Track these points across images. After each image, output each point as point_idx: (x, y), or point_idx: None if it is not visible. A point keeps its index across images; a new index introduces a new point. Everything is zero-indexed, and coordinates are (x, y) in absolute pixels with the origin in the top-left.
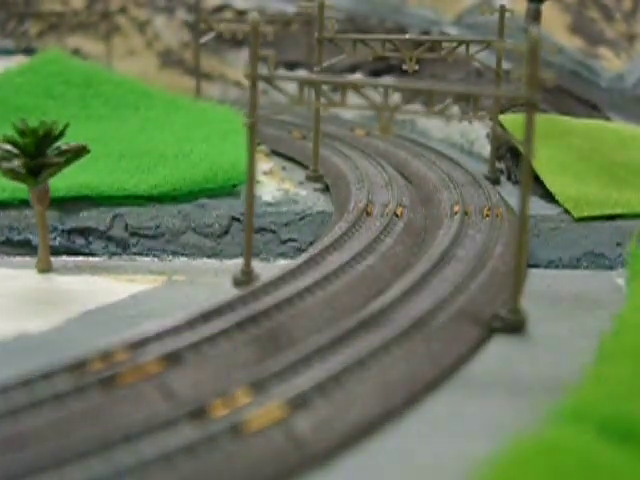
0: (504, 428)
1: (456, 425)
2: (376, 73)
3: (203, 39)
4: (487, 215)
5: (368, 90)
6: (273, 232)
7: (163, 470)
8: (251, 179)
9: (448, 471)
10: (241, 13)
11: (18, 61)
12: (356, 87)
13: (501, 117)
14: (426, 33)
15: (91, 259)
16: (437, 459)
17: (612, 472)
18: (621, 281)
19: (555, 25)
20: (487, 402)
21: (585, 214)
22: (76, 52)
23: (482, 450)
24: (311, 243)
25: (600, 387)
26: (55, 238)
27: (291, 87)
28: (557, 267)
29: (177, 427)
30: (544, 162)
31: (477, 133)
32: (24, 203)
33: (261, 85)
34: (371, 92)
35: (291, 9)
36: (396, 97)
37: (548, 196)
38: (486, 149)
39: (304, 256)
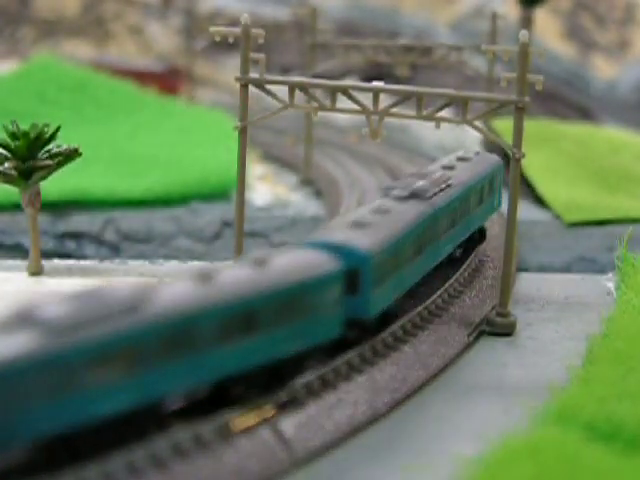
0: (492, 428)
1: (444, 425)
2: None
3: (197, 45)
4: None
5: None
6: (265, 236)
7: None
8: (241, 182)
9: (436, 471)
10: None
11: (12, 66)
12: (346, 91)
13: (494, 122)
14: (419, 39)
15: (82, 262)
16: (425, 459)
17: (597, 471)
18: (611, 285)
19: (549, 32)
20: (475, 403)
21: (576, 219)
22: (72, 57)
23: (470, 450)
24: None
25: (587, 388)
26: (47, 241)
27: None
28: (548, 271)
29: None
30: (536, 167)
31: (470, 138)
32: (16, 207)
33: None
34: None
35: (285, 15)
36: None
37: (539, 201)
38: None
39: None
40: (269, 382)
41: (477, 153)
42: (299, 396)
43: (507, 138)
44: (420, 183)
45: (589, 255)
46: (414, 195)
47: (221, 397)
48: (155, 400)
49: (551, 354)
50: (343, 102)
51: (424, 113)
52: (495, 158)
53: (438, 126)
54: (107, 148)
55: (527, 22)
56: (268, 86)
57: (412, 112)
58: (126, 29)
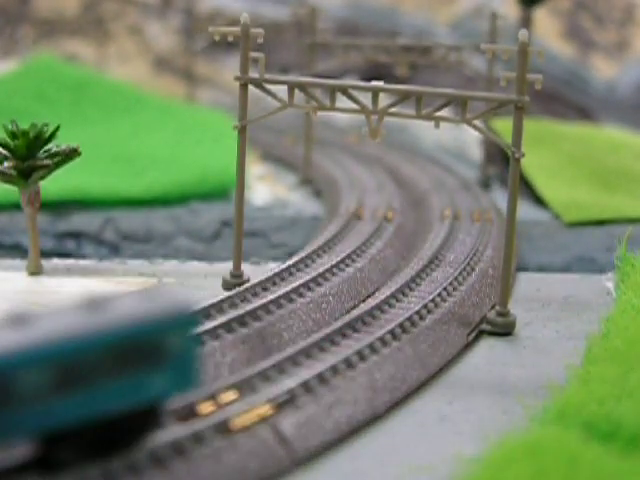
0: (491, 428)
1: (443, 425)
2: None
3: (198, 46)
4: (477, 219)
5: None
6: (264, 236)
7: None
8: (241, 181)
9: (435, 471)
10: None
11: (12, 66)
12: (345, 90)
13: (493, 122)
14: (418, 39)
15: (82, 262)
16: (424, 459)
17: (597, 471)
18: (610, 285)
19: (549, 32)
20: (475, 402)
21: (576, 218)
22: (71, 57)
23: (469, 449)
24: (302, 247)
25: (586, 388)
26: (46, 241)
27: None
28: (547, 271)
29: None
30: (536, 167)
31: (470, 138)
32: (15, 206)
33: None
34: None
35: (285, 15)
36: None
37: (539, 201)
38: (478, 154)
39: (293, 259)
40: None
41: (144, 296)
42: (298, 395)
43: (507, 138)
44: None
45: (589, 255)
46: None
47: None
48: None
49: (551, 354)
50: (343, 102)
51: (423, 112)
52: (177, 308)
53: (437, 126)
54: (107, 148)
55: (527, 22)
56: (267, 86)
57: (411, 112)
58: (126, 29)
